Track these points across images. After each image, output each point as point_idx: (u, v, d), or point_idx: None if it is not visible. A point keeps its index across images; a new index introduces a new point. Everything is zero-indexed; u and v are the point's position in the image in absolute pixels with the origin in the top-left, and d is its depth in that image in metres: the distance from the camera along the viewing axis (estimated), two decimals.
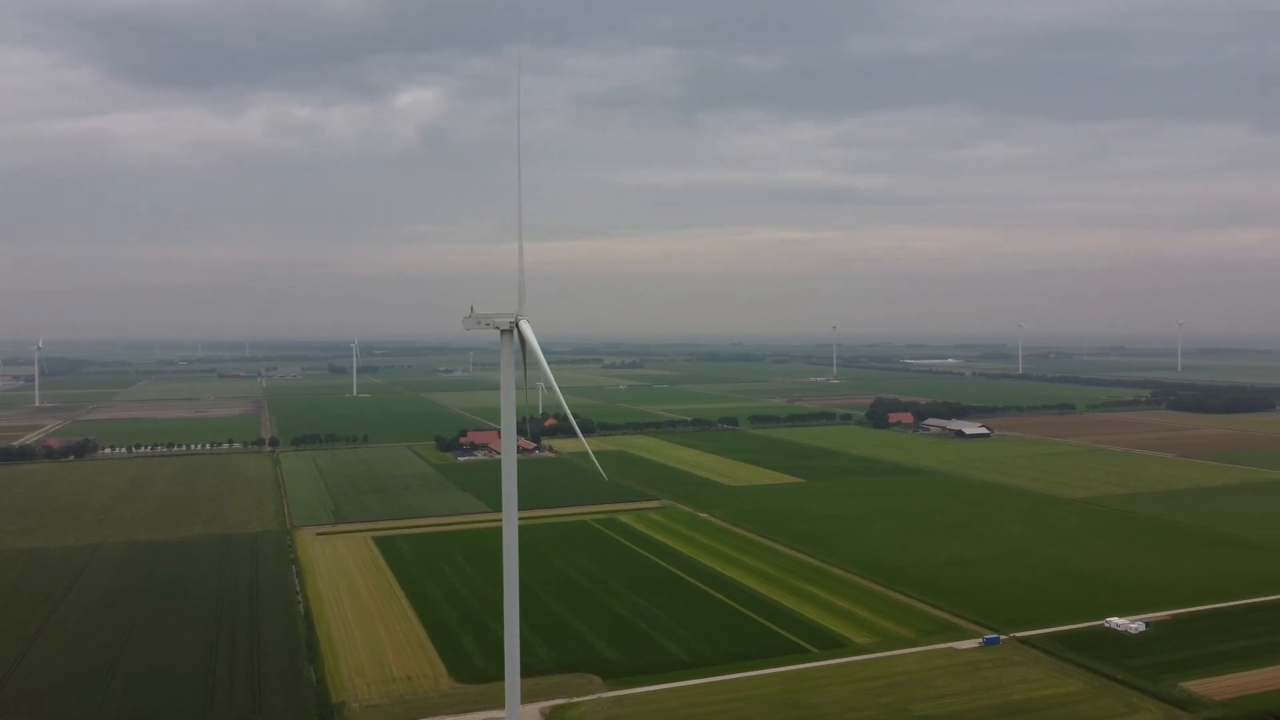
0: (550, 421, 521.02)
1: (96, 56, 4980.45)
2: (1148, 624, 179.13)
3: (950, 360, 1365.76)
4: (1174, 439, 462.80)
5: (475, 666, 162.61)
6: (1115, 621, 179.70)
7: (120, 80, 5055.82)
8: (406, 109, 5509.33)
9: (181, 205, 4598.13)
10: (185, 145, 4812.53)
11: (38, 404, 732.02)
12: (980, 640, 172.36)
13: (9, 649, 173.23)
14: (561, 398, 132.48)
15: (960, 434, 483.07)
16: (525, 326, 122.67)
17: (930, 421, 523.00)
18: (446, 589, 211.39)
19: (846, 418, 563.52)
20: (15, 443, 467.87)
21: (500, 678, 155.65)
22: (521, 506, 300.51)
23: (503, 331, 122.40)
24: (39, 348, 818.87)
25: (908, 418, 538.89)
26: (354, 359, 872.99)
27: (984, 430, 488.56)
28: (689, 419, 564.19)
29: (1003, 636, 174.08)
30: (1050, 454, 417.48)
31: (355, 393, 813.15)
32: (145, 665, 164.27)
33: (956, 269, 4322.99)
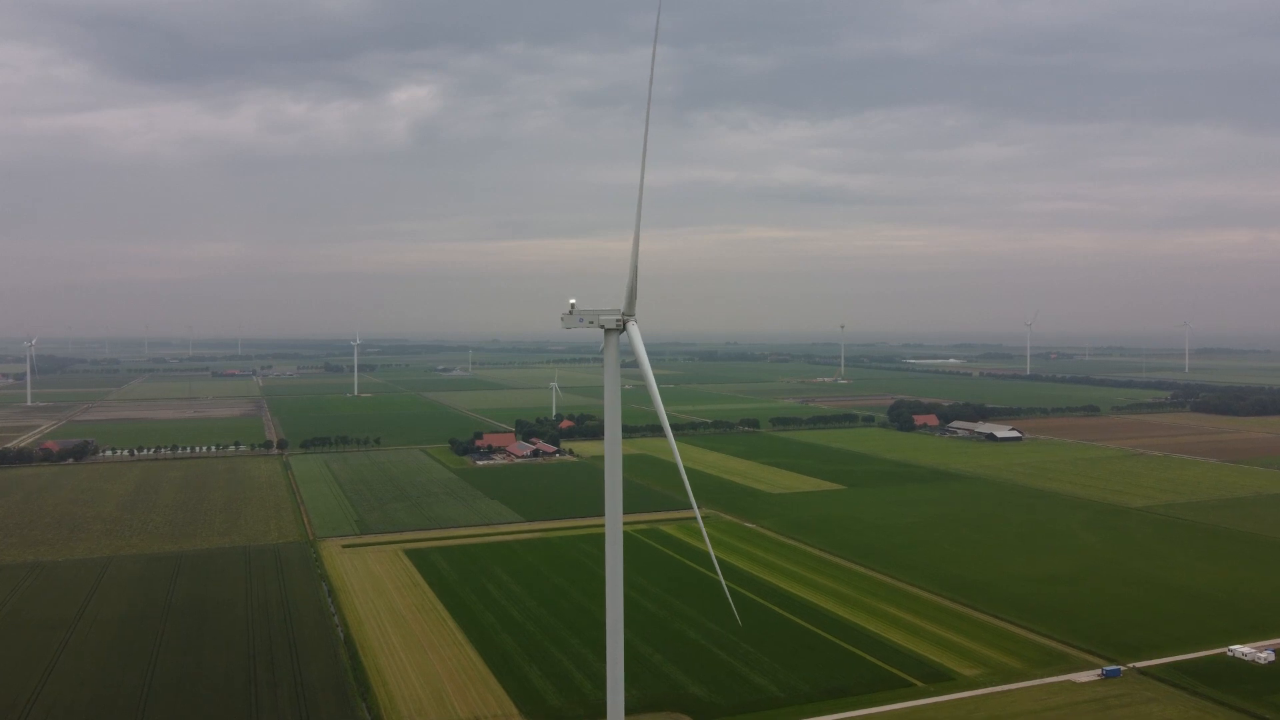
0: (566, 423, 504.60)
1: (88, 52, 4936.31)
2: (1276, 653, 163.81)
3: (953, 360, 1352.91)
4: (1212, 442, 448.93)
5: (549, 705, 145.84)
6: (1240, 650, 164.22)
7: (111, 76, 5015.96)
8: (400, 106, 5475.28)
9: (172, 202, 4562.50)
10: (176, 142, 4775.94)
11: (29, 404, 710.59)
12: (1099, 672, 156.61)
13: (26, 677, 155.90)
14: (649, 397, 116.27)
15: (991, 437, 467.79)
16: (634, 327, 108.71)
17: (957, 424, 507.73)
18: (496, 610, 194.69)
19: (869, 420, 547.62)
20: (11, 445, 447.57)
21: (580, 718, 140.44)
22: (555, 515, 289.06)
23: (607, 330, 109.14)
24: (30, 345, 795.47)
25: (932, 420, 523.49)
26: (355, 358, 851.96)
27: (1015, 433, 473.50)
28: (708, 421, 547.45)
29: (1123, 667, 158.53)
30: (1090, 458, 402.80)
31: (357, 393, 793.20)
32: (178, 700, 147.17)
33: (944, 268, 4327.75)
